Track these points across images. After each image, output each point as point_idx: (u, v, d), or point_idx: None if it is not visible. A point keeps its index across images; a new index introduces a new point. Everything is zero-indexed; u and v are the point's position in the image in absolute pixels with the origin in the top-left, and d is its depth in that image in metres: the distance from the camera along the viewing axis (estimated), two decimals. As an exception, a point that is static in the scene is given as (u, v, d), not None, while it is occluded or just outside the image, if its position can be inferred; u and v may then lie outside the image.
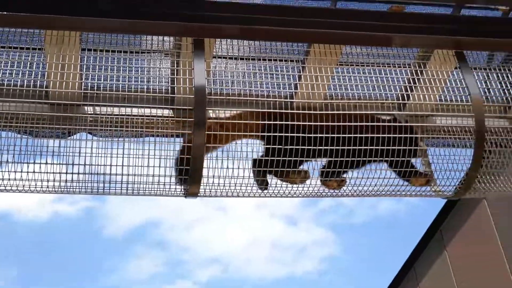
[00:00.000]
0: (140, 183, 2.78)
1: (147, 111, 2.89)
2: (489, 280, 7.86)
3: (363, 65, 3.09)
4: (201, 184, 2.79)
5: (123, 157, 2.73)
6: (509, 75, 3.22)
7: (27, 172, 2.71)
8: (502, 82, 3.25)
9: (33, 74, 2.86)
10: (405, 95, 3.07)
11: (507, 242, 7.52)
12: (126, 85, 2.81)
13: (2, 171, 2.72)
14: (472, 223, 8.32)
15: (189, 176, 2.75)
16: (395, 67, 3.10)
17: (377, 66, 3.08)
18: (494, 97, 3.30)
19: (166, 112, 2.92)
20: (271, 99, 2.91)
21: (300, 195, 3.03)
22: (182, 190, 2.88)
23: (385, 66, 3.09)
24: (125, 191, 2.85)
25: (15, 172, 2.71)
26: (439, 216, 9.08)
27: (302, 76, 2.99)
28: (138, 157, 2.74)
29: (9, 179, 2.73)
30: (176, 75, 2.88)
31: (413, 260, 9.96)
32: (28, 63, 2.87)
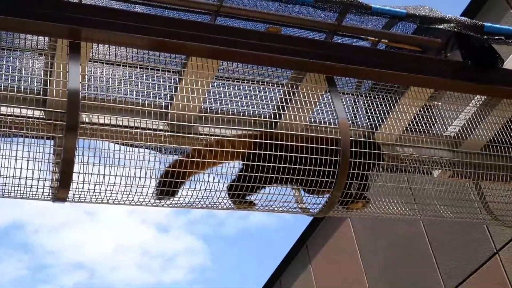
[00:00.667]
0: (5, 185, 2.69)
1: (17, 111, 2.80)
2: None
3: (239, 81, 3.17)
4: (71, 189, 2.75)
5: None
6: (374, 102, 3.43)
7: None
8: (368, 109, 3.46)
9: None
10: (277, 114, 3.18)
11: (368, 261, 7.96)
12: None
13: None
14: (336, 241, 8.74)
15: (58, 180, 2.70)
16: (269, 85, 3.21)
17: (252, 83, 3.17)
18: (359, 122, 3.51)
19: (37, 113, 2.83)
20: (151, 108, 2.91)
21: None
22: (50, 194, 2.81)
23: (259, 84, 3.20)
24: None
25: None
26: (306, 232, 9.48)
27: (178, 87, 3.02)
28: (4, 158, 2.65)
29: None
30: (50, 77, 2.81)
31: (279, 273, 10.29)
32: None
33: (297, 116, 3.16)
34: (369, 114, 3.42)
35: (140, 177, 2.79)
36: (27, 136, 2.75)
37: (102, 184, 2.75)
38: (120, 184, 2.78)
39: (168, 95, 3.03)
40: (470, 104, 3.77)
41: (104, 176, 2.74)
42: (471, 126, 3.67)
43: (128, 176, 2.77)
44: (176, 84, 3.05)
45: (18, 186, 2.73)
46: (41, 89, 2.88)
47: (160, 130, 2.95)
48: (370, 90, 3.62)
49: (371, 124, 3.43)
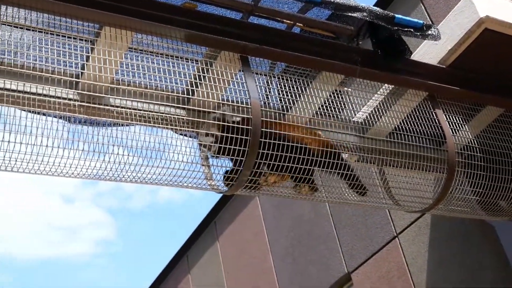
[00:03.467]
0: None
1: None
2: (254, 271, 8.52)
3: (154, 54, 3.20)
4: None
5: None
6: (286, 84, 3.53)
7: None
8: (280, 90, 3.57)
9: None
10: (190, 90, 3.23)
11: (274, 239, 8.22)
12: None
13: None
14: (244, 218, 8.96)
15: None
16: (184, 61, 3.25)
17: (166, 57, 3.21)
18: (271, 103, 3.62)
19: None
20: (61, 76, 2.89)
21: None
22: None
23: (173, 59, 3.23)
24: None
25: None
26: (214, 208, 9.64)
27: (90, 57, 3.01)
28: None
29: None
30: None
31: (186, 249, 10.39)
32: None
33: (210, 93, 3.22)
34: (281, 96, 3.53)
35: (47, 146, 2.77)
36: None
37: (6, 152, 2.72)
38: (25, 152, 2.75)
39: (79, 64, 3.01)
40: (378, 92, 3.96)
41: (9, 143, 2.71)
42: (378, 113, 3.85)
43: (35, 144, 2.74)
44: (88, 53, 3.04)
45: None
46: None
47: (70, 100, 2.93)
48: (283, 72, 3.73)
49: (282, 106, 3.53)
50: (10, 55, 2.84)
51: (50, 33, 2.97)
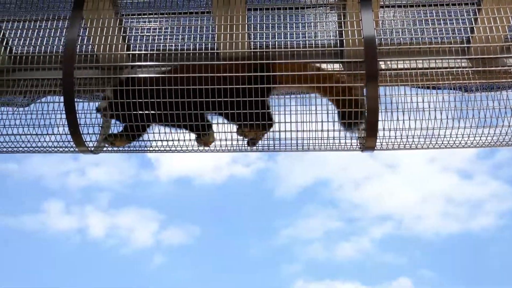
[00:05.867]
0: (312, 139, 2.93)
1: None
2: None
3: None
4: (377, 137, 2.88)
5: (292, 114, 2.89)
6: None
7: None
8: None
9: (203, 38, 3.09)
10: None
11: None
12: (295, 42, 2.96)
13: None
14: None
15: (364, 129, 2.86)
16: None
17: None
18: None
19: (334, 66, 3.01)
20: (445, 45, 2.90)
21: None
22: (358, 144, 2.99)
23: None
24: (295, 147, 3.02)
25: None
26: None
27: (478, 19, 2.93)
28: (310, 113, 2.88)
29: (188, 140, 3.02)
30: (344, 28, 2.96)
31: None
32: (198, 27, 3.10)
33: None
34: None
35: (441, 119, 2.81)
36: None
37: (403, 130, 2.84)
38: (421, 128, 2.84)
39: (468, 28, 2.96)
40: None
41: (404, 122, 2.82)
42: None
43: (429, 119, 2.81)
44: (476, 15, 2.96)
45: (326, 140, 2.95)
46: (337, 41, 3.05)
47: (462, 68, 2.90)
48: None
49: None
50: (398, 33, 2.95)
51: (433, 4, 2.99)
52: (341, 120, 2.96)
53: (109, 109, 2.98)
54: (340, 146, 3.06)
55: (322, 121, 2.89)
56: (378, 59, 2.80)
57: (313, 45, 3.08)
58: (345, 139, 3.00)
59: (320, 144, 3.00)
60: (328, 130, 2.92)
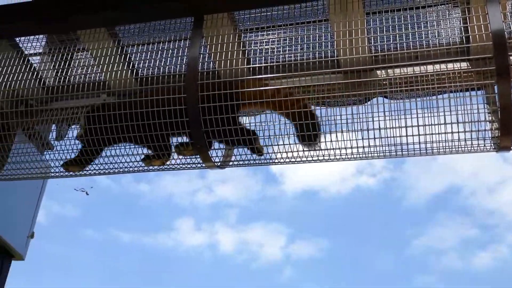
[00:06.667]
0: (439, 142, 2.84)
1: (437, 67, 2.91)
2: None
3: None
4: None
5: (417, 117, 2.81)
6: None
7: (330, 141, 2.94)
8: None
9: (322, 46, 3.08)
10: None
11: None
12: (417, 43, 2.88)
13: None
14: None
15: (497, 128, 2.75)
16: None
17: None
18: None
19: (459, 65, 2.91)
20: None
21: None
22: (492, 144, 2.87)
23: None
24: (424, 151, 2.93)
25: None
26: None
27: None
28: (434, 116, 2.79)
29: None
30: (469, 23, 2.85)
31: None
32: (317, 35, 3.09)
33: None
34: None
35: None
36: (452, 91, 2.84)
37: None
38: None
39: None
40: None
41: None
42: None
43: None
44: None
45: (456, 142, 2.84)
46: (462, 38, 2.95)
47: None
48: None
49: None
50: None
51: None
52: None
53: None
54: (472, 148, 2.94)
55: (451, 123, 2.79)
56: (509, 54, 2.68)
57: (437, 45, 2.98)
58: (478, 140, 2.88)
59: (450, 147, 2.90)
60: (458, 132, 2.82)
